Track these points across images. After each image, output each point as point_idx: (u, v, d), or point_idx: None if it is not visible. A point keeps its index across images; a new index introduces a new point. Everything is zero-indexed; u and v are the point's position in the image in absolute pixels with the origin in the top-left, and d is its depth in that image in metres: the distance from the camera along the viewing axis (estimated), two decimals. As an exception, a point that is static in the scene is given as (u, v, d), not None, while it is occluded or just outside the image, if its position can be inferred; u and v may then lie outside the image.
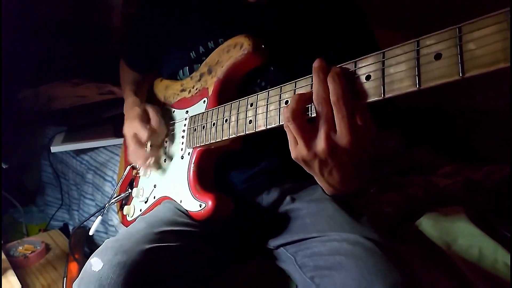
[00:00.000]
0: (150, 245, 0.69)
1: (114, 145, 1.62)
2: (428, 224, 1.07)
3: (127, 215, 1.02)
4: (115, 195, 1.06)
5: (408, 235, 1.06)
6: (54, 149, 1.63)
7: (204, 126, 0.83)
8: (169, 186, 0.91)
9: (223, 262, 0.88)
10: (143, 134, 0.90)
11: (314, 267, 0.74)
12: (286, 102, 0.63)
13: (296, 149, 0.60)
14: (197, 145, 0.85)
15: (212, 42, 0.90)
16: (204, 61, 0.90)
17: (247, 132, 0.71)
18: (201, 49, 0.91)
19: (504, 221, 1.06)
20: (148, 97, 1.10)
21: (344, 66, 0.56)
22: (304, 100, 0.58)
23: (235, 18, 0.90)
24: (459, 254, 0.98)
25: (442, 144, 1.74)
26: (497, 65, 0.40)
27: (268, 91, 0.67)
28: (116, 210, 1.14)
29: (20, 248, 1.46)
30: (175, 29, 0.95)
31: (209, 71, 0.87)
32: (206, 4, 0.92)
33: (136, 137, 0.92)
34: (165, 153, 0.95)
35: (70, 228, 1.78)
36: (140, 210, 0.98)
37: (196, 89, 0.91)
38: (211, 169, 0.88)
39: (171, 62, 0.99)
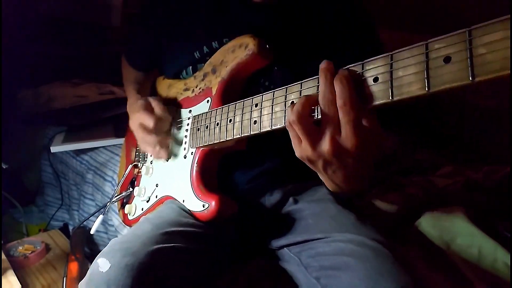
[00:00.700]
0: (157, 246, 0.69)
1: (114, 145, 1.62)
2: (428, 224, 1.07)
3: (128, 214, 1.02)
4: (116, 194, 1.06)
5: (408, 235, 1.06)
6: (54, 149, 1.63)
7: (207, 126, 0.82)
8: (171, 186, 0.91)
9: (225, 262, 0.88)
10: (149, 121, 0.89)
11: (320, 267, 0.73)
12: (292, 103, 0.62)
13: (301, 148, 0.60)
14: (200, 145, 0.84)
15: (216, 42, 0.90)
16: (208, 61, 0.89)
17: (251, 133, 0.70)
18: (205, 49, 0.91)
19: (504, 221, 1.06)
20: (151, 95, 1.10)
21: (351, 68, 0.55)
22: (310, 102, 0.58)
23: (240, 18, 0.90)
24: (458, 254, 0.98)
25: (442, 144, 1.74)
26: (508, 71, 0.40)
27: (274, 91, 0.66)
28: (117, 210, 1.14)
29: (20, 248, 1.46)
30: (179, 28, 0.95)
31: (213, 71, 0.87)
32: (211, 4, 0.92)
33: (142, 125, 0.91)
34: (168, 152, 0.95)
35: (70, 228, 1.78)
36: (142, 209, 0.98)
37: (200, 88, 0.90)
38: (214, 169, 0.87)
39: (174, 61, 0.99)
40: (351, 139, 0.54)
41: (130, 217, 1.02)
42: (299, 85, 0.63)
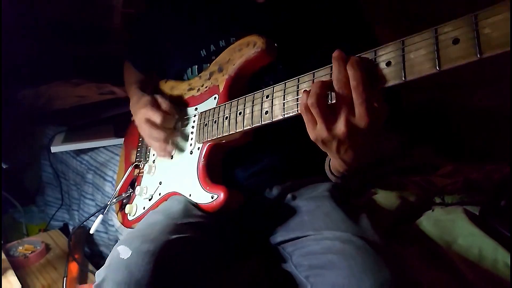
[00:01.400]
0: (174, 235, 0.70)
1: (114, 145, 1.62)
2: (428, 224, 1.07)
3: (128, 214, 1.02)
4: (115, 196, 1.06)
5: (408, 235, 1.06)
6: (54, 149, 1.63)
7: (215, 121, 0.85)
8: (176, 182, 0.92)
9: (228, 257, 0.88)
10: (156, 117, 0.90)
11: (309, 267, 0.74)
12: (305, 91, 0.65)
13: (315, 131, 0.64)
14: (208, 139, 0.86)
15: (223, 41, 0.91)
16: (214, 60, 0.91)
17: (263, 123, 0.73)
18: (212, 47, 0.93)
19: (504, 221, 1.06)
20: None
21: (362, 56, 0.60)
22: (325, 86, 0.62)
23: (247, 18, 0.92)
24: (459, 254, 0.98)
25: (442, 144, 1.73)
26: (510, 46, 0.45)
27: (285, 82, 0.70)
28: (115, 212, 1.14)
29: (20, 248, 1.46)
30: (186, 27, 0.97)
31: (220, 69, 0.89)
32: (218, 4, 0.94)
33: (149, 121, 0.92)
34: (173, 149, 0.96)
35: (70, 228, 1.78)
36: (144, 208, 0.98)
37: (206, 87, 0.92)
38: (219, 163, 0.90)
39: (179, 60, 1.00)
40: (364, 118, 0.59)
41: (130, 217, 1.02)
42: (311, 74, 0.67)
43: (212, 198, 0.82)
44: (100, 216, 1.02)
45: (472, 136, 1.72)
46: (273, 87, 0.72)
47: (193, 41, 0.96)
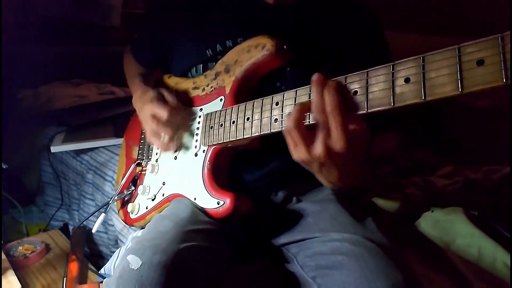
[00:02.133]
0: (184, 244, 0.70)
1: (114, 145, 1.62)
2: (427, 225, 1.07)
3: (131, 213, 1.01)
4: (117, 193, 1.05)
5: (408, 236, 1.06)
6: (54, 149, 1.63)
7: (222, 124, 0.82)
8: (181, 184, 0.91)
9: (234, 261, 0.88)
10: (163, 113, 0.88)
11: (316, 267, 0.74)
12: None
13: (297, 152, 0.66)
14: (214, 143, 0.84)
15: (230, 41, 0.89)
16: (221, 60, 0.89)
17: (272, 131, 0.72)
18: (219, 47, 0.91)
19: (503, 221, 1.06)
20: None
21: (337, 80, 0.61)
22: (304, 110, 0.64)
23: (255, 19, 0.90)
24: (458, 254, 0.98)
25: (441, 144, 1.74)
26: None
27: (296, 90, 0.68)
28: (117, 210, 1.14)
29: (20, 248, 1.46)
30: (193, 25, 0.95)
31: (226, 70, 0.87)
32: (227, 3, 0.93)
33: (155, 117, 0.89)
34: (176, 150, 0.94)
35: (70, 228, 1.78)
36: (147, 208, 0.98)
37: (211, 87, 0.90)
38: (225, 167, 0.88)
39: (184, 57, 0.99)
40: (340, 141, 0.60)
41: (132, 216, 1.01)
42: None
43: (218, 204, 0.80)
44: (102, 215, 1.01)
45: (472, 136, 1.72)
46: (284, 93, 0.70)
47: (200, 39, 0.94)
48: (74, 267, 1.36)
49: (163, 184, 0.95)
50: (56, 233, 1.64)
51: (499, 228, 1.04)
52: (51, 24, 2.21)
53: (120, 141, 1.53)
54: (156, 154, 1.02)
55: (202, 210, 0.83)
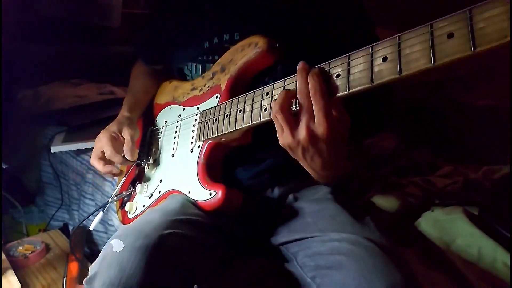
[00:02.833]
0: (168, 230, 0.71)
1: (114, 145, 1.62)
2: (427, 224, 1.07)
3: (128, 212, 1.02)
4: (116, 194, 1.06)
5: (408, 235, 1.06)
6: (54, 149, 1.63)
7: (216, 119, 0.85)
8: (176, 179, 0.93)
9: (228, 258, 0.88)
10: (107, 148, 0.96)
11: (315, 267, 0.74)
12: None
13: (283, 137, 0.68)
14: (208, 137, 0.87)
15: (227, 35, 0.92)
16: (217, 61, 0.92)
17: (262, 120, 0.74)
18: (216, 40, 0.93)
19: (503, 221, 1.06)
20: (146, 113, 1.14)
21: (321, 66, 0.65)
22: (290, 95, 0.67)
23: (252, 14, 0.92)
24: (458, 254, 0.98)
25: (441, 144, 1.74)
26: (505, 40, 0.45)
27: (285, 80, 0.71)
28: (116, 210, 1.14)
29: (20, 248, 1.46)
30: (192, 17, 0.98)
31: (222, 69, 0.90)
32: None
33: (102, 147, 0.98)
34: (173, 149, 0.97)
35: (70, 228, 1.78)
36: (144, 206, 0.99)
37: (208, 86, 0.93)
38: (219, 163, 0.90)
39: (183, 51, 1.01)
40: (322, 124, 0.63)
41: (130, 215, 1.02)
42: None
43: (210, 195, 0.82)
44: (100, 213, 1.02)
45: (472, 136, 1.72)
46: (273, 84, 0.73)
47: (198, 32, 0.97)
48: (74, 267, 1.37)
49: (160, 182, 0.97)
50: (56, 233, 1.64)
51: (499, 228, 1.04)
52: (51, 24, 2.20)
53: (120, 141, 1.53)
54: (155, 153, 1.04)
55: (195, 203, 0.85)
